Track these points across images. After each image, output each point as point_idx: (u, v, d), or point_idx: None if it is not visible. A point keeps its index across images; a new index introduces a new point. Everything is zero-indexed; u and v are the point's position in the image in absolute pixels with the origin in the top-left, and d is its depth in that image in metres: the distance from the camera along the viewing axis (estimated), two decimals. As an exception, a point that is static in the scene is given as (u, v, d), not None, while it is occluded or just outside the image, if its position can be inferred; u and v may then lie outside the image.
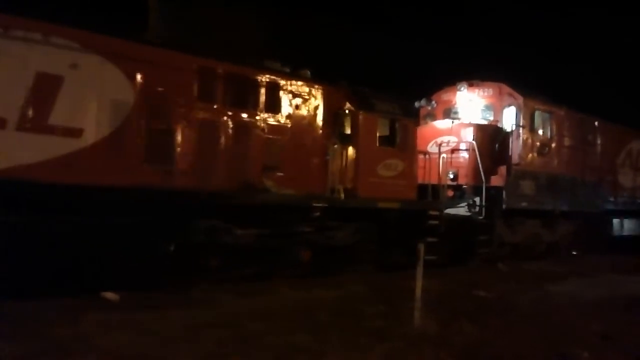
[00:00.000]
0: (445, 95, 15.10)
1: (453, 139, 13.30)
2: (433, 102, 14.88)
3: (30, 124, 6.98)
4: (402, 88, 16.30)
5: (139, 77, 7.94)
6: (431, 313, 6.84)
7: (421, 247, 6.91)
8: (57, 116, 7.19)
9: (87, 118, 7.47)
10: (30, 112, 6.99)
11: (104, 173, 7.50)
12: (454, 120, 13.69)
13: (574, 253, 15.76)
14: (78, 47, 7.39)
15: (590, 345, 6.22)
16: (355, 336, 6.02)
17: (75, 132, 7.37)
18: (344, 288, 8.74)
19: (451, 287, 9.36)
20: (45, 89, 7.11)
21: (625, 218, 17.79)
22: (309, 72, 10.56)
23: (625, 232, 17.81)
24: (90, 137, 7.47)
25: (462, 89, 14.70)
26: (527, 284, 10.26)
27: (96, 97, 7.55)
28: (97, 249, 7.30)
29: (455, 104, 14.77)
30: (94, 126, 7.52)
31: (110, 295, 7.22)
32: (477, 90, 14.56)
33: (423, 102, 14.48)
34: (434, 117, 14.85)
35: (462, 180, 13.04)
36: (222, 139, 8.86)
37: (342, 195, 10.08)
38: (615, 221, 17.32)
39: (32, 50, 7.00)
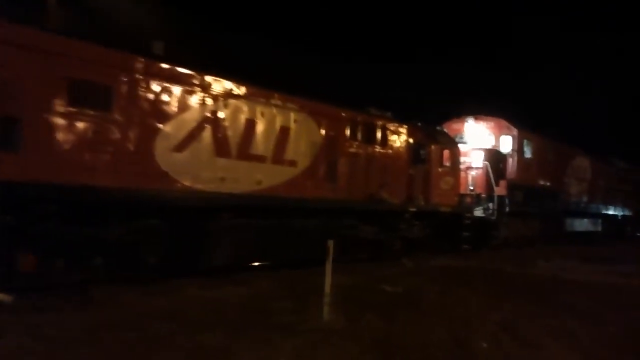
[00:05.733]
0: (455, 125, 19.98)
1: (468, 160, 18.04)
2: (445, 130, 19.67)
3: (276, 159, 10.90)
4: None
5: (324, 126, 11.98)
6: (340, 307, 7.00)
7: (330, 244, 7.06)
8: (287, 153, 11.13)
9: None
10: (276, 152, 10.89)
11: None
12: (468, 145, 18.52)
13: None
14: (297, 109, 11.38)
15: (489, 335, 6.59)
16: (266, 332, 5.97)
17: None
18: (253, 285, 8.82)
19: (360, 282, 9.65)
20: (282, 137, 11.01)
21: (573, 217, 23.54)
22: (390, 113, 14.83)
23: (575, 229, 23.60)
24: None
25: (469, 121, 19.64)
26: (432, 279, 10.52)
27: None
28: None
29: (463, 132, 19.66)
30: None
31: (1, 296, 6.74)
32: (481, 123, 19.54)
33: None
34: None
35: (478, 190, 17.83)
36: (360, 165, 12.98)
37: (422, 203, 14.49)
38: (567, 220, 22.96)
39: (277, 112, 10.91)
